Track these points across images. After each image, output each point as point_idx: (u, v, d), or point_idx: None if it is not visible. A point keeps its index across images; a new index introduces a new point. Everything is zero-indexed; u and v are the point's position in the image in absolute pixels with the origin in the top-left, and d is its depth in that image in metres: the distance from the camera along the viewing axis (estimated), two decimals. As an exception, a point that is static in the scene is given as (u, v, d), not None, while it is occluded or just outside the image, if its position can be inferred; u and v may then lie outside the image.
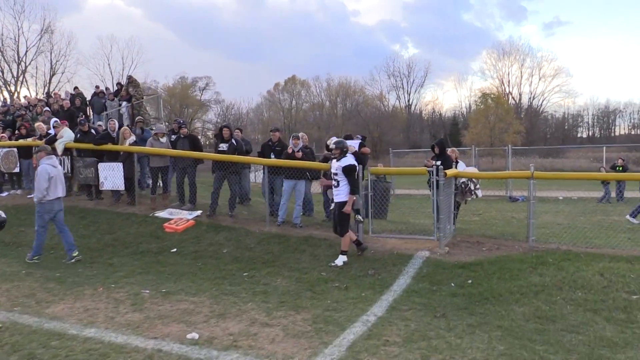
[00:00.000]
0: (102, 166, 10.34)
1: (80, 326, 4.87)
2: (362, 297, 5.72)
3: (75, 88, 16.54)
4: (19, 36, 45.15)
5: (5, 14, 44.78)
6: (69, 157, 10.90)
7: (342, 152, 7.11)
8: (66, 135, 10.77)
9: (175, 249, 8.12)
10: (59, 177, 7.62)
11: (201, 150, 10.37)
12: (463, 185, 8.94)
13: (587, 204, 14.97)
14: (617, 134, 62.66)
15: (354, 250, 7.34)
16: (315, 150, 12.48)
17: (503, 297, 5.58)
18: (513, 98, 60.03)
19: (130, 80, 15.66)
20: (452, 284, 6.11)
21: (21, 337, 4.56)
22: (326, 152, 8.89)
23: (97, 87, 16.46)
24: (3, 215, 5.32)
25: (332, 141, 8.11)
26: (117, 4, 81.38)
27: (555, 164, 36.42)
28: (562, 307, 5.23)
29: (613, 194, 15.76)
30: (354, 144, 8.63)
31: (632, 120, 62.64)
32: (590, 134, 64.72)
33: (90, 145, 10.53)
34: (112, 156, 10.47)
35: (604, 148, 20.23)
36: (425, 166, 8.27)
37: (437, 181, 7.44)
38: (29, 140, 11.53)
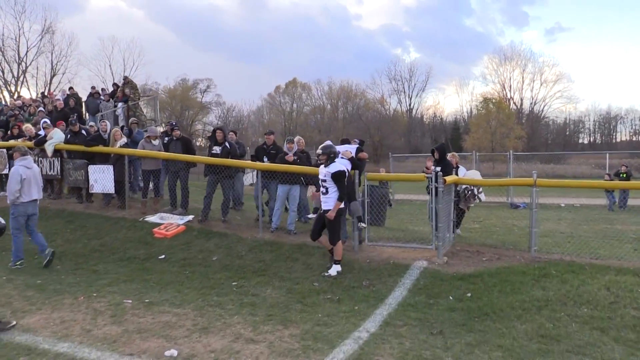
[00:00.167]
0: (92, 168, 10.04)
1: (53, 340, 4.58)
2: (355, 310, 5.41)
3: (70, 88, 16.26)
4: (19, 36, 45.15)
5: (6, 14, 44.62)
6: (59, 158, 10.61)
7: (330, 157, 6.73)
8: (56, 137, 10.49)
9: (163, 256, 7.81)
10: (33, 179, 7.35)
11: (194, 153, 10.07)
12: (466, 191, 8.66)
13: (590, 212, 14.65)
14: (618, 140, 62.39)
15: (351, 259, 7.04)
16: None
17: (504, 313, 5.27)
18: (514, 103, 59.89)
19: (127, 81, 15.41)
20: (451, 297, 5.80)
21: (-12, 352, 4.27)
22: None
23: (92, 87, 16.19)
24: (2, 221, 5.12)
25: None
26: (120, 6, 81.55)
27: (556, 170, 36.15)
28: (567, 325, 4.92)
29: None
30: (351, 149, 8.32)
31: (634, 127, 62.42)
32: (591, 140, 64.51)
33: (81, 147, 10.25)
34: (103, 158, 10.19)
35: (607, 155, 19.84)
36: (426, 168, 7.99)
37: (436, 188, 7.14)
38: (19, 141, 11.24)
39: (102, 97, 15.15)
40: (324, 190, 6.74)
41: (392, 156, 22.72)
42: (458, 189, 8.65)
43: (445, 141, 51.48)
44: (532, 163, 32.78)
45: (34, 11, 59.33)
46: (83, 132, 10.74)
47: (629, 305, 5.27)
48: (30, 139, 10.98)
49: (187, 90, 60.94)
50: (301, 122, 64.22)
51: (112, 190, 9.94)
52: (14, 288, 6.29)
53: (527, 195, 7.98)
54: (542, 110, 60.23)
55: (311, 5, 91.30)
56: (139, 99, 14.92)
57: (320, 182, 6.87)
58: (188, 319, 5.14)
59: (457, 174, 8.74)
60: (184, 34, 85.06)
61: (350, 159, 7.89)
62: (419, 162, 27.50)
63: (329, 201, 6.68)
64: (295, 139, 9.07)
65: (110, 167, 9.82)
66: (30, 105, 15.05)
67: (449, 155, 9.03)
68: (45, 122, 11.23)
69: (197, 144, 53.13)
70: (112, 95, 15.19)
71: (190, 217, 9.31)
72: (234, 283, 6.53)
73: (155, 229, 8.72)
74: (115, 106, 14.58)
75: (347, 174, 6.81)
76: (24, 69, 45.74)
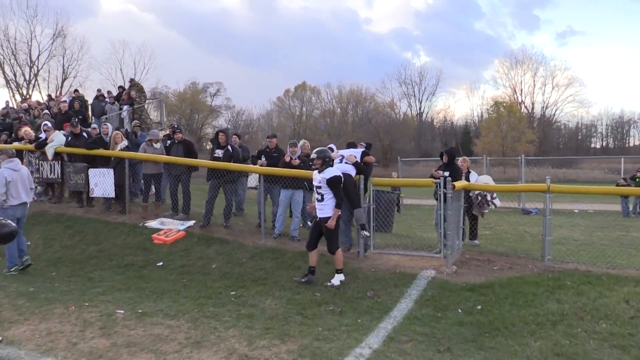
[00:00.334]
0: (92, 172, 9.82)
1: (36, 354, 4.33)
2: (358, 324, 5.11)
3: (76, 91, 16.21)
4: (31, 40, 45.44)
5: (18, 18, 44.87)
6: (59, 162, 10.42)
7: (325, 162, 6.38)
8: (57, 140, 10.30)
9: (161, 263, 7.57)
10: (20, 182, 7.19)
11: (196, 157, 9.81)
12: (479, 197, 8.30)
13: (605, 218, 14.22)
14: (631, 144, 61.41)
15: (355, 268, 6.74)
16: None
17: (516, 328, 4.93)
18: (525, 107, 59.18)
19: (133, 84, 15.28)
20: (459, 310, 5.47)
21: (-34, 367, 4.04)
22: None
23: (98, 90, 16.08)
24: (13, 225, 4.95)
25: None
26: (131, 10, 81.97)
27: (569, 174, 35.56)
28: (584, 342, 4.57)
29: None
30: (356, 153, 7.99)
31: (647, 131, 61.32)
32: (604, 144, 63.62)
33: (81, 150, 10.06)
34: (104, 161, 9.98)
35: (622, 159, 19.38)
36: (432, 177, 7.65)
37: (445, 194, 6.81)
38: (19, 144, 11.09)
39: (107, 99, 15.02)
40: (319, 197, 6.40)
41: (402, 160, 22.38)
42: (470, 194, 8.31)
43: (455, 145, 51.05)
44: (543, 167, 32.20)
45: (46, 15, 59.96)
46: (84, 134, 10.55)
47: (652, 321, 4.92)
48: (31, 142, 10.81)
49: (197, 93, 60.93)
50: (310, 125, 63.95)
51: (112, 194, 9.70)
52: (5, 296, 6.09)
53: (540, 200, 7.65)
54: (554, 114, 59.60)
55: (321, 9, 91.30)
56: (144, 101, 14.76)
57: (315, 189, 6.54)
58: (181, 332, 4.87)
59: (468, 179, 8.38)
60: (195, 38, 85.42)
61: (355, 164, 7.56)
62: (428, 166, 27.05)
63: (325, 208, 6.34)
64: (300, 143, 8.80)
65: (111, 171, 9.60)
66: (35, 108, 14.95)
67: (459, 160, 8.68)
68: (45, 124, 11.06)
69: (207, 147, 53.03)
70: (118, 98, 15.06)
71: (192, 222, 9.06)
72: (232, 292, 6.26)
73: (155, 235, 8.47)
74: (121, 109, 14.43)
75: (342, 179, 6.49)
76: (35, 72, 46.12)
